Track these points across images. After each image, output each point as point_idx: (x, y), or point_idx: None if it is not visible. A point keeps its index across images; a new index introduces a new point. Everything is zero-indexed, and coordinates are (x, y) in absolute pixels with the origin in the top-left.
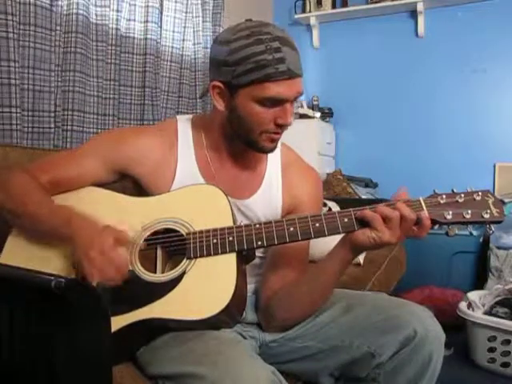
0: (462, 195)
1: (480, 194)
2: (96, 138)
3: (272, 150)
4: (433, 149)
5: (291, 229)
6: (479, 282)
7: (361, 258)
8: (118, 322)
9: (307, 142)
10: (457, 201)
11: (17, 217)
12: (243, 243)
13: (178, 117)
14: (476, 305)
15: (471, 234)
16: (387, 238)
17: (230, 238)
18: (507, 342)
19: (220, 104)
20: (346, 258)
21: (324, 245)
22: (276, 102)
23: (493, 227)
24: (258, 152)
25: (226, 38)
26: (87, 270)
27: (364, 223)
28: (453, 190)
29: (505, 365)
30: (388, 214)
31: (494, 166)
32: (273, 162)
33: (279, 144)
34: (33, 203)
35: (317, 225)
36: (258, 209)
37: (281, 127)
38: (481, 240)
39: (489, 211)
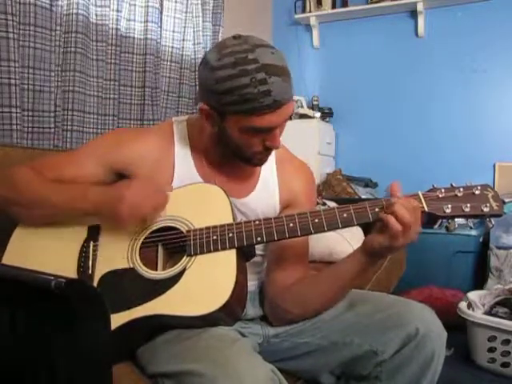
0: (461, 189)
1: (479, 188)
2: (96, 140)
3: (262, 164)
4: (433, 148)
5: (291, 225)
6: (479, 282)
7: None
8: (118, 320)
9: (307, 142)
10: (456, 195)
11: (32, 207)
12: (243, 239)
13: (174, 118)
14: (476, 305)
15: (471, 228)
16: (400, 243)
17: (230, 235)
18: (507, 341)
19: (209, 125)
20: (363, 261)
21: (324, 246)
22: (263, 130)
23: (493, 221)
24: (248, 166)
25: (211, 64)
26: (121, 212)
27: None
28: (452, 185)
29: (505, 365)
30: (400, 219)
31: (494, 166)
32: (267, 160)
33: None
34: (46, 188)
35: (316, 220)
36: (256, 206)
37: (270, 149)
38: (481, 240)
39: (488, 205)
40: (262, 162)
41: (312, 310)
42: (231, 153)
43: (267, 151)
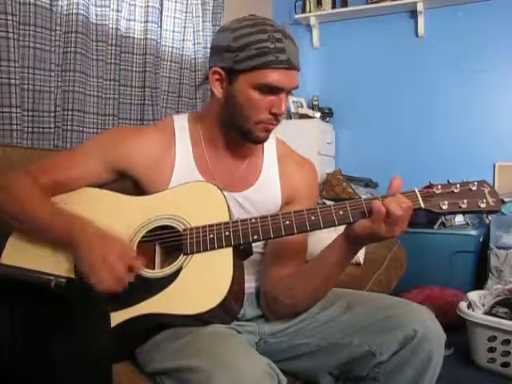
0: (458, 185)
1: (476, 183)
2: (95, 139)
3: (265, 139)
4: (433, 148)
5: (287, 222)
6: (479, 282)
7: (361, 258)
8: (115, 318)
9: (307, 142)
10: (452, 191)
11: (18, 222)
12: (239, 237)
13: (175, 116)
14: (476, 305)
15: (468, 224)
16: (383, 230)
17: (227, 233)
18: (507, 342)
19: (218, 90)
20: (344, 247)
21: (325, 246)
22: (273, 89)
23: (489, 216)
24: (252, 142)
25: (230, 26)
26: (88, 275)
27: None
28: (448, 181)
29: (505, 365)
30: (393, 211)
31: (494, 166)
32: (269, 155)
33: (273, 138)
34: (33, 209)
35: (312, 218)
36: (257, 201)
37: (275, 117)
38: (481, 240)
39: (485, 200)
40: (264, 136)
41: (300, 299)
42: (235, 128)
43: (271, 119)
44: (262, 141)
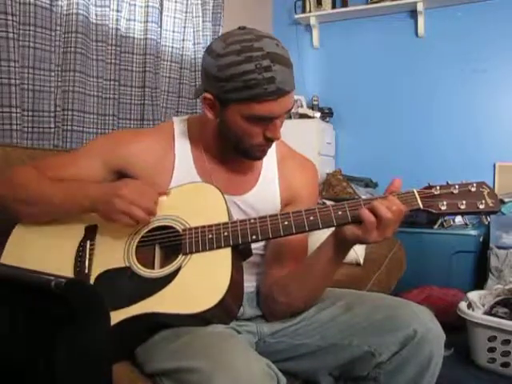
0: (457, 186)
1: (475, 185)
2: (96, 140)
3: (262, 157)
4: (433, 149)
5: (285, 222)
6: (479, 282)
7: (361, 258)
8: (114, 318)
9: (307, 142)
10: (451, 192)
11: (27, 205)
12: (238, 237)
13: (175, 118)
14: (476, 305)
15: (467, 224)
16: (373, 238)
17: (225, 233)
18: (507, 342)
19: (211, 114)
20: (334, 246)
21: None
22: (265, 119)
23: (488, 218)
24: (248, 160)
25: (216, 51)
26: (118, 206)
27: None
28: (447, 182)
29: (505, 365)
30: (383, 216)
31: (494, 166)
32: (268, 157)
33: None
34: (43, 189)
35: (311, 218)
36: (256, 203)
37: (270, 140)
38: (481, 240)
39: (484, 202)
40: (261, 155)
41: (295, 298)
42: (231, 146)
43: (267, 143)
44: (258, 159)
